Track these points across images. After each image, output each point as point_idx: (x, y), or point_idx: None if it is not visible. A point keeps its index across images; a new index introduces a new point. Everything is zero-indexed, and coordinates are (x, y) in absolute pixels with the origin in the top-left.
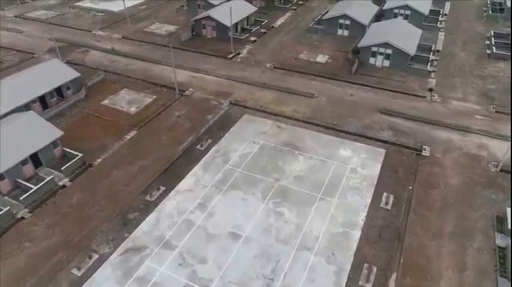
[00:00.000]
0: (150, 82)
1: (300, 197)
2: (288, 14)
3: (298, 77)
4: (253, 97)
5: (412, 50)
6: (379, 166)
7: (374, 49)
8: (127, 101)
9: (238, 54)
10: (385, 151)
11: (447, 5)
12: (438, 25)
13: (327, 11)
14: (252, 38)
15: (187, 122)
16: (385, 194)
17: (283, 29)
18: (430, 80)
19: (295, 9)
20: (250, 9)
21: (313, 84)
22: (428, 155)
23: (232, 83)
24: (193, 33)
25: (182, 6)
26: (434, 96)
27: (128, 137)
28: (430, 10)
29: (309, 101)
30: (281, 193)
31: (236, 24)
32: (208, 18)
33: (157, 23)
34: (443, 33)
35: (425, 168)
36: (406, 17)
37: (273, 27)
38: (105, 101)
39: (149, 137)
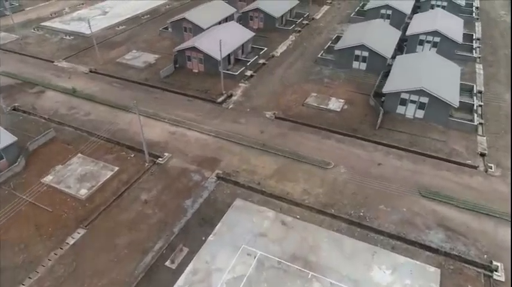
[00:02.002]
0: (114, 142)
1: None
2: (291, 37)
3: (307, 133)
4: (249, 167)
5: (454, 99)
6: None
7: (404, 96)
8: (78, 176)
9: (231, 96)
10: (439, 270)
11: (477, 27)
12: (473, 54)
13: (338, 36)
14: (248, 73)
15: (157, 212)
16: None
17: (286, 59)
18: (478, 138)
19: (299, 31)
20: (247, 34)
21: (327, 146)
22: (503, 279)
23: (221, 143)
24: (177, 65)
25: (166, 28)
26: (490, 168)
27: (71, 241)
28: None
29: (323, 174)
30: None
31: (229, 55)
32: (194, 48)
33: (134, 51)
34: (481, 66)
35: None
36: (434, 44)
37: (273, 56)
38: (48, 177)
39: (100, 241)
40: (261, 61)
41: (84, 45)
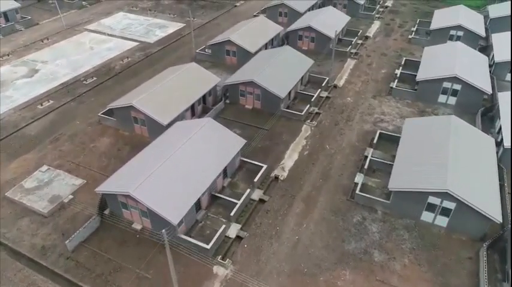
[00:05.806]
0: None
1: None
2: (304, 131)
3: None
4: None
5: None
6: None
7: None
8: None
9: None
10: None
11: None
12: None
13: (381, 133)
14: (232, 232)
15: None
16: None
17: (299, 186)
18: None
19: (318, 113)
20: (233, 146)
21: None
22: None
23: None
24: (105, 212)
25: (110, 113)
26: None
27: None
28: None
29: None
30: None
31: (199, 199)
32: (130, 197)
33: (45, 167)
34: None
35: None
36: None
37: (277, 179)
38: None
39: None
40: (256, 196)
41: None
